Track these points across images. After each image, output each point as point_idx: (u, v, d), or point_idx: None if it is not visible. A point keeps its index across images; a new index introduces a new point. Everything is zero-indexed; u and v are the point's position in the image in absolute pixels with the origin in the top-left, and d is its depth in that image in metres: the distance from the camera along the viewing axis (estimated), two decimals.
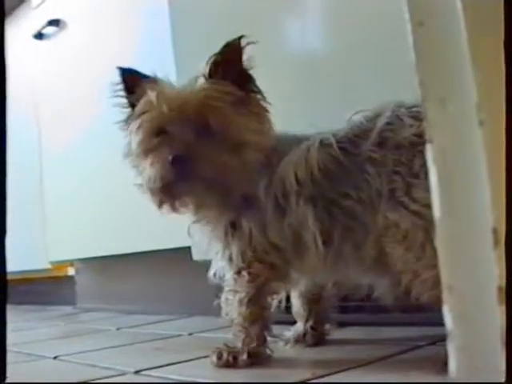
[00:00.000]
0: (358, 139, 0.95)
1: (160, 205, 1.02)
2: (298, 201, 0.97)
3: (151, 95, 0.99)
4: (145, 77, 1.05)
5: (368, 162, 0.92)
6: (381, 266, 0.95)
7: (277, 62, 1.44)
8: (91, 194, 2.16)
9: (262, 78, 1.40)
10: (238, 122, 0.99)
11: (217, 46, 1.00)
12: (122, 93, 1.07)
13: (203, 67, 1.00)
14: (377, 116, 0.96)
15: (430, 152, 0.53)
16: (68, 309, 2.47)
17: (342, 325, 1.24)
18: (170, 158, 0.94)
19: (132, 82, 1.05)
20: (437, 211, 0.54)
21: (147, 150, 1.00)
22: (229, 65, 0.99)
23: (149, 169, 0.98)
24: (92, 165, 2.10)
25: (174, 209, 1.03)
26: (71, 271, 2.54)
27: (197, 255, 1.12)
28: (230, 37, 0.98)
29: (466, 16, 0.51)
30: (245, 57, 1.00)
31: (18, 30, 2.66)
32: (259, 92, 1.03)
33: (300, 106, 1.38)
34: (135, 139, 1.01)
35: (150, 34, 1.89)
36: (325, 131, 1.01)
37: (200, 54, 1.01)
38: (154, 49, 1.86)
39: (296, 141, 1.02)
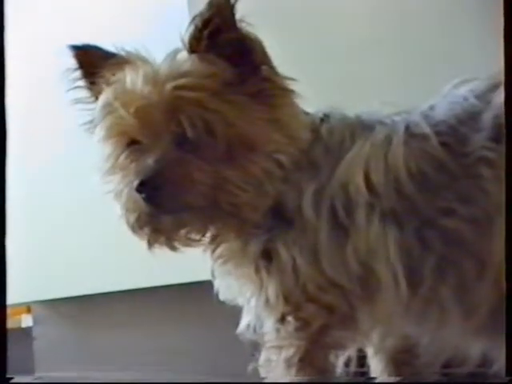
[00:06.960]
0: (464, 128, 0.93)
1: (149, 244, 1.01)
2: (371, 217, 0.95)
3: (108, 93, 0.99)
4: (110, 55, 1.04)
5: (482, 162, 0.91)
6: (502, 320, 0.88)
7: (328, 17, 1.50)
8: (55, 209, 2.15)
9: (306, 35, 1.52)
10: (230, 116, 0.95)
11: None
12: (82, 82, 1.07)
13: (184, 36, 0.99)
14: (490, 90, 0.94)
15: None
16: (23, 380, 2.35)
17: None
18: (136, 182, 0.93)
19: (93, 64, 1.05)
20: None
21: (115, 167, 1.01)
22: (217, 30, 0.96)
23: (117, 196, 0.99)
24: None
25: (171, 248, 1.02)
26: (27, 321, 2.51)
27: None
28: None
29: None
30: (238, 16, 0.96)
31: None
32: (268, 64, 0.99)
33: (367, 70, 1.41)
34: (103, 151, 1.02)
35: None
36: (408, 110, 0.99)
37: None
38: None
39: (362, 127, 1.00)
